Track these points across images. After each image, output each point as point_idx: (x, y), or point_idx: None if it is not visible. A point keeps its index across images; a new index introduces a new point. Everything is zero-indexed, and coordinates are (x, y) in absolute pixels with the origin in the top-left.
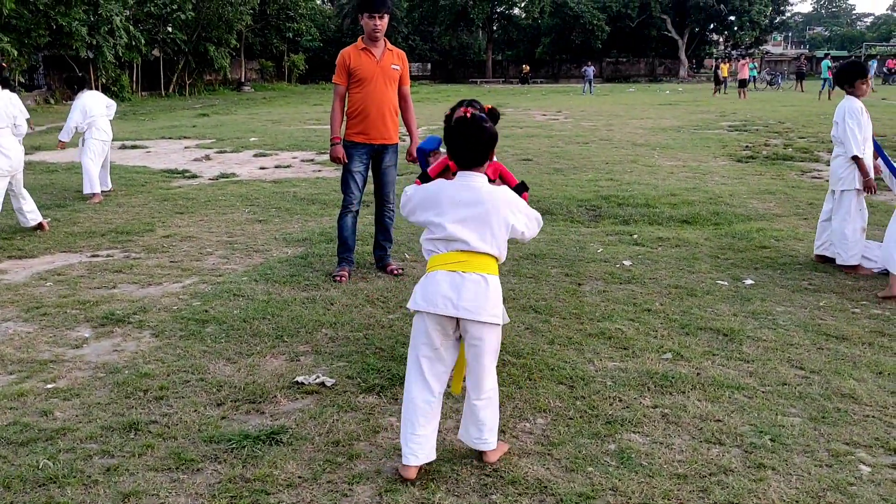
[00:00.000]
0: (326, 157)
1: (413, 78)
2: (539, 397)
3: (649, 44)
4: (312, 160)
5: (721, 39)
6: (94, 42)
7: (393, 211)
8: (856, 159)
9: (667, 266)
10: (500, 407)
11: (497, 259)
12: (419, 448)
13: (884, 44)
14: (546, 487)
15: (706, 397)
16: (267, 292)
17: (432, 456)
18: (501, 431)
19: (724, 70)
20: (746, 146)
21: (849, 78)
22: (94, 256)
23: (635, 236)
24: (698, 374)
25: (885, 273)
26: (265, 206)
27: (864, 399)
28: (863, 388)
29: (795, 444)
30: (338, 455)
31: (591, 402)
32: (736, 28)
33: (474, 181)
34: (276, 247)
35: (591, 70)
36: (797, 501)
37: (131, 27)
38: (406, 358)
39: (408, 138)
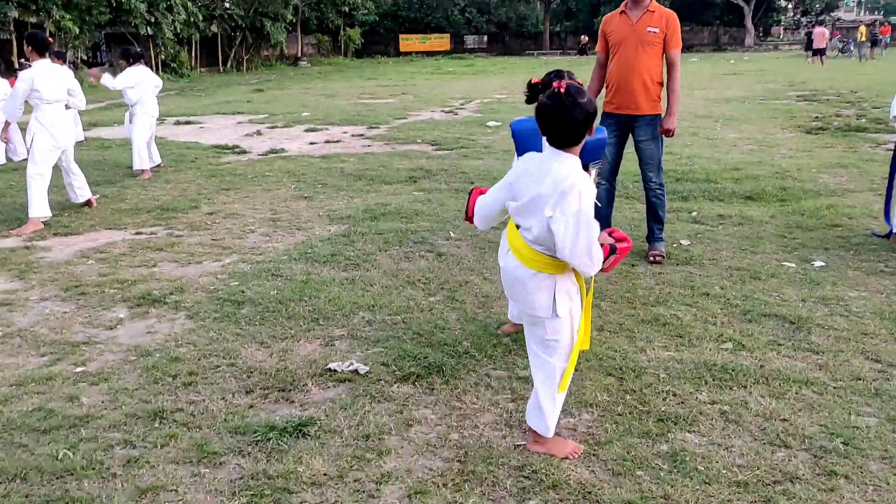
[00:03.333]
0: (377, 131)
1: (469, 50)
2: (585, 390)
3: (713, 11)
4: (363, 135)
5: (790, 6)
6: (154, 19)
7: (659, 190)
8: None
9: (728, 246)
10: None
11: (548, 256)
12: None
13: None
14: (590, 493)
15: (770, 393)
16: (306, 272)
17: None
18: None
19: (862, 33)
20: (816, 117)
21: None
22: (137, 234)
23: (694, 213)
24: (761, 366)
25: None
26: (311, 182)
27: None
28: None
29: (871, 448)
30: (367, 451)
31: (641, 397)
32: None
33: (558, 162)
34: (319, 224)
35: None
36: None
37: (189, 3)
38: (443, 344)
39: None
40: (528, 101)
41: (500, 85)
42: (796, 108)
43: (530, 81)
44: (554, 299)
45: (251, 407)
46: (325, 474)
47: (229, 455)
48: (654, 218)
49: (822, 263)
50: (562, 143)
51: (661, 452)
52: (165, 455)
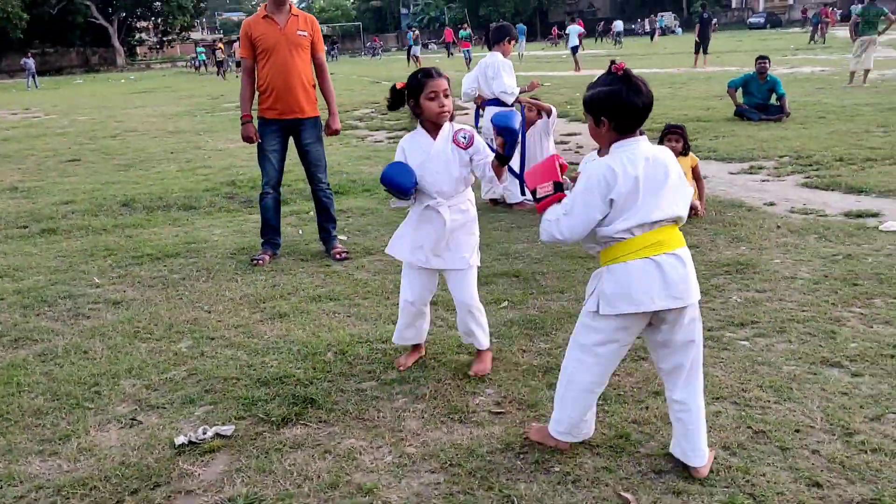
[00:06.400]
0: None
1: None
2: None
3: (76, 32)
4: None
5: (150, 25)
6: None
7: (328, 190)
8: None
9: (390, 232)
10: None
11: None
12: None
13: None
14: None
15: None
16: None
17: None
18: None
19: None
20: None
21: (501, 37)
22: None
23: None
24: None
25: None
26: None
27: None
28: None
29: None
30: (351, 497)
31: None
32: (167, 13)
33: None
34: None
35: (31, 62)
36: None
37: None
38: (277, 379)
39: None
40: (391, 108)
41: None
42: None
43: (394, 86)
44: None
45: None
46: None
47: None
48: (327, 217)
49: None
50: (637, 126)
51: None
52: None
